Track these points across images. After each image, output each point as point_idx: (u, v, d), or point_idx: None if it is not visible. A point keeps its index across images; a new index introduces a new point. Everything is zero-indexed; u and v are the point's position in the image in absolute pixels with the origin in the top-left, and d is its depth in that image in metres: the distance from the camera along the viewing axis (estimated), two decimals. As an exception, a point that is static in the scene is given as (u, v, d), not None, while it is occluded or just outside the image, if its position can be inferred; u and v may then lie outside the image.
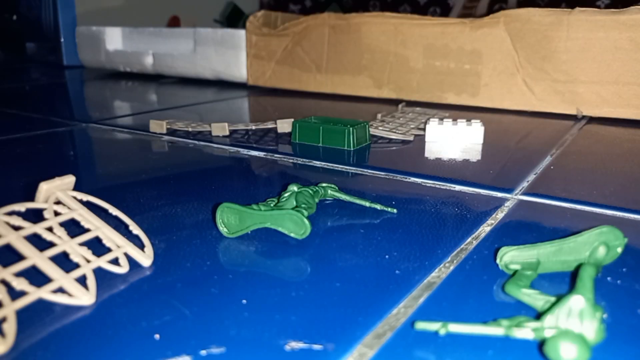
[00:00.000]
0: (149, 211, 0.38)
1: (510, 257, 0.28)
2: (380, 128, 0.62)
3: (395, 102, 0.83)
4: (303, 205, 0.35)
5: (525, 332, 0.21)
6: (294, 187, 0.37)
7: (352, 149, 0.56)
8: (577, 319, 0.20)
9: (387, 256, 0.30)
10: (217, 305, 0.25)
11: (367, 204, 0.38)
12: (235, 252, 0.31)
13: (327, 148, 0.57)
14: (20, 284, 0.24)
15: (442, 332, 0.22)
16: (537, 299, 0.24)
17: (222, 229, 0.33)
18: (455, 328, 0.22)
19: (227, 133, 0.62)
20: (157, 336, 0.22)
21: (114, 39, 1.20)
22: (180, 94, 1.02)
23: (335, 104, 0.86)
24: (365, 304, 0.25)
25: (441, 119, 0.60)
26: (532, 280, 0.27)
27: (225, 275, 0.28)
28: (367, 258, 0.30)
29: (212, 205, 0.39)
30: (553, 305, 0.23)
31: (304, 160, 0.53)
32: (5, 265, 0.24)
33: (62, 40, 1.32)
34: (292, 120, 0.61)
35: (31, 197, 0.41)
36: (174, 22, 1.39)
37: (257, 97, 0.97)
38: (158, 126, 0.64)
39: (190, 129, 0.64)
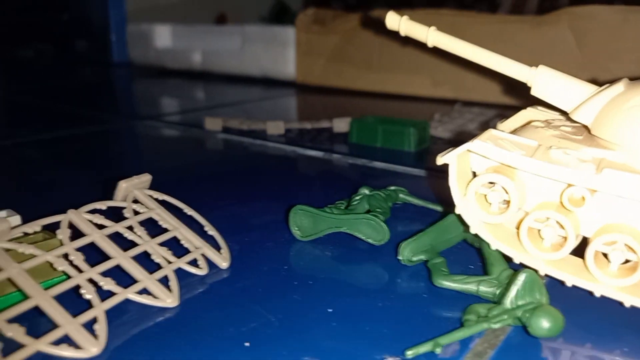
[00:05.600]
0: (215, 210, 0.37)
1: (411, 250, 0.29)
2: (440, 129, 0.60)
3: (446, 102, 0.80)
4: (378, 210, 0.34)
5: (502, 321, 0.22)
6: (365, 190, 0.36)
7: (412, 150, 0.54)
8: (530, 293, 0.23)
9: (471, 266, 0.29)
10: (302, 313, 0.24)
11: (440, 208, 0.37)
12: (309, 256, 0.30)
13: (386, 149, 0.55)
14: (107, 284, 0.23)
15: (438, 351, 0.21)
16: (468, 282, 0.25)
17: (295, 232, 0.32)
18: (445, 340, 0.21)
19: (283, 132, 0.62)
20: (247, 344, 0.22)
21: (163, 36, 1.21)
22: (228, 92, 1.02)
23: (386, 103, 0.85)
24: (460, 319, 0.24)
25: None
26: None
27: (304, 281, 0.27)
28: (451, 267, 0.29)
29: (276, 205, 0.38)
30: (503, 287, 0.24)
31: (364, 160, 0.51)
32: (89, 262, 0.24)
33: (112, 37, 1.34)
34: (349, 119, 0.60)
35: (98, 191, 0.41)
36: (221, 20, 1.39)
37: (305, 95, 0.97)
38: (213, 123, 0.64)
39: (245, 127, 0.63)
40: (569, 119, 0.30)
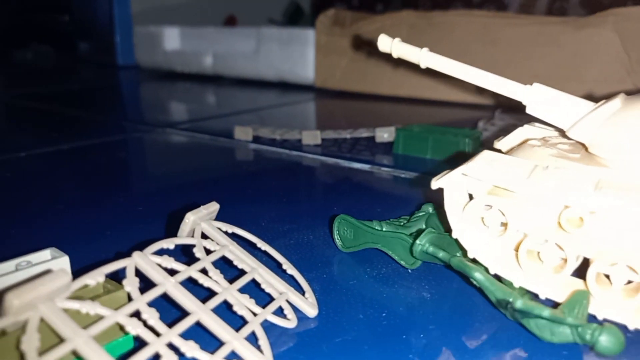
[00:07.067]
0: (277, 238, 0.33)
1: (429, 240, 0.26)
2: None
3: (475, 108, 0.76)
4: (432, 230, 0.29)
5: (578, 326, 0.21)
6: (429, 208, 0.32)
7: (466, 162, 0.50)
8: (585, 310, 0.22)
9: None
10: (430, 382, 0.20)
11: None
12: (407, 299, 0.26)
13: (437, 160, 0.51)
14: (190, 350, 0.19)
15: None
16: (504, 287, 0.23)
17: (338, 242, 0.31)
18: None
19: (319, 142, 0.57)
20: None
21: (172, 38, 1.16)
22: (243, 97, 0.98)
23: (414, 109, 0.80)
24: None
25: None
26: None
27: (413, 333, 0.23)
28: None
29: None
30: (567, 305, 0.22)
31: (416, 174, 0.47)
32: (162, 317, 0.19)
33: (117, 39, 1.29)
34: (394, 128, 0.55)
35: (137, 215, 0.36)
36: (231, 22, 1.35)
37: (324, 100, 0.92)
38: (243, 133, 0.59)
39: (278, 137, 0.59)
40: (566, 136, 0.29)
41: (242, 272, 0.24)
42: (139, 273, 0.21)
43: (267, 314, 0.22)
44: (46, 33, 1.62)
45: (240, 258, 0.24)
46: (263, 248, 0.26)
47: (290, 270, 0.26)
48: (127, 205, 0.39)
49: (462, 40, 0.79)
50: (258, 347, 0.20)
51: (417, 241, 0.26)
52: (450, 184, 0.25)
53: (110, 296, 0.20)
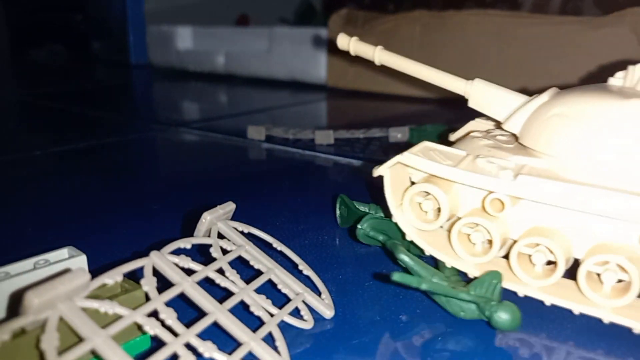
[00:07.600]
0: (292, 238, 0.33)
1: (370, 225, 0.29)
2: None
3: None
4: (373, 215, 0.31)
5: (469, 297, 0.22)
6: None
7: (481, 163, 0.49)
8: (492, 290, 0.23)
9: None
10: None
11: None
12: (425, 300, 0.25)
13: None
14: (208, 350, 0.19)
15: (424, 287, 0.22)
16: (426, 268, 0.24)
17: (338, 219, 0.34)
18: (430, 286, 0.22)
19: (332, 142, 0.57)
20: None
21: (185, 38, 1.16)
22: (255, 96, 0.98)
23: (426, 108, 0.80)
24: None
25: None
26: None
27: (433, 336, 0.22)
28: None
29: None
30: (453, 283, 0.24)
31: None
32: (179, 317, 0.19)
33: (130, 38, 1.29)
34: (407, 128, 0.55)
35: (151, 213, 0.36)
36: (243, 21, 1.35)
37: (337, 100, 0.92)
38: (257, 132, 0.59)
39: (291, 136, 0.59)
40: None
41: (259, 273, 0.24)
42: (156, 272, 0.21)
43: (284, 315, 0.22)
44: (60, 32, 1.63)
45: (257, 258, 0.24)
46: (279, 248, 0.26)
47: (306, 270, 0.26)
48: (141, 204, 0.39)
49: (476, 40, 0.78)
50: (275, 348, 0.20)
51: (359, 225, 0.28)
52: (388, 171, 0.27)
53: (128, 295, 0.20)
